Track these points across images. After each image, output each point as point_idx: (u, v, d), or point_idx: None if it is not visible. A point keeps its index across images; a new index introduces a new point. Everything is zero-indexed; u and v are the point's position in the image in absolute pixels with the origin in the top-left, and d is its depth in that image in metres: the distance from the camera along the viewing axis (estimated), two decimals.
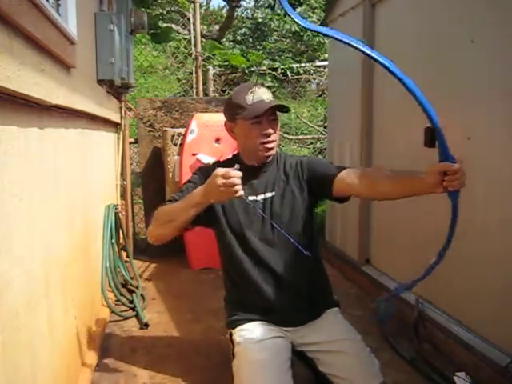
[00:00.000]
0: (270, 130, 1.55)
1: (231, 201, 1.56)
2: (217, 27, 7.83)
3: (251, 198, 1.60)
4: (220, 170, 1.35)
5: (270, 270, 1.58)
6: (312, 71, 6.25)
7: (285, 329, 1.60)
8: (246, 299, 1.63)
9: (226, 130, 1.66)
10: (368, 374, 1.48)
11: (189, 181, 1.71)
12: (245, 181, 1.48)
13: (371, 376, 1.49)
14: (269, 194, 1.62)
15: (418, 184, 1.34)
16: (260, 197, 1.62)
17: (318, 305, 1.64)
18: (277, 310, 1.58)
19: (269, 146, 1.57)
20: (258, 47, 7.66)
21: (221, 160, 1.79)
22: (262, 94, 1.54)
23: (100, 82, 2.70)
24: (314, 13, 7.77)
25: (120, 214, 3.19)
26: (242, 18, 8.45)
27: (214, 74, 5.31)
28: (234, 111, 1.58)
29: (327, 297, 1.70)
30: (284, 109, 1.59)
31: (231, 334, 1.63)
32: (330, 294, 1.72)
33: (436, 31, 2.28)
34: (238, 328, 1.61)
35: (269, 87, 7.29)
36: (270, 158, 1.63)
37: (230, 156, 1.75)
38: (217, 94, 5.37)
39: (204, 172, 1.64)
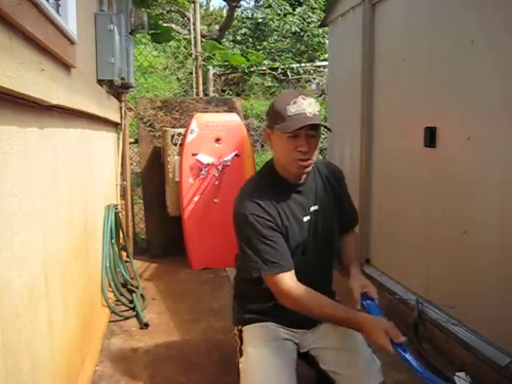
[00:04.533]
0: (306, 148, 1.42)
1: (291, 224, 1.49)
2: (217, 27, 7.83)
3: (305, 218, 1.53)
4: (389, 329, 1.30)
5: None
6: (312, 71, 6.25)
7: (295, 330, 1.60)
8: (262, 301, 1.58)
9: (263, 136, 1.59)
10: (369, 373, 1.48)
11: (258, 231, 1.45)
12: (292, 198, 1.52)
13: (372, 374, 1.49)
14: (313, 208, 1.56)
15: (347, 271, 1.65)
16: (309, 215, 1.55)
17: None
18: (293, 317, 1.54)
19: (303, 163, 1.45)
20: (258, 47, 7.66)
21: (256, 177, 1.63)
22: (305, 106, 1.41)
23: (100, 81, 2.70)
24: (313, 13, 7.77)
25: (120, 214, 3.19)
26: (242, 18, 8.45)
27: (214, 74, 5.31)
28: (273, 119, 1.47)
29: (333, 299, 1.69)
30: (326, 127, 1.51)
31: (241, 331, 1.61)
32: (333, 296, 1.71)
33: (436, 31, 2.28)
34: (249, 326, 1.59)
35: (269, 87, 7.29)
36: (301, 178, 1.53)
37: (263, 171, 1.61)
38: (217, 94, 5.37)
39: (258, 206, 1.46)
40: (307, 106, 1.42)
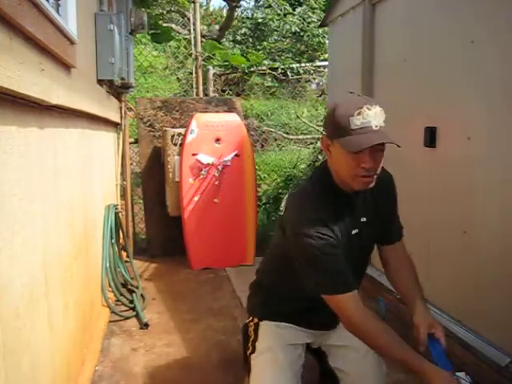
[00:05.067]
0: (371, 164, 1.28)
1: (339, 236, 1.37)
2: (217, 27, 7.83)
3: (354, 231, 1.42)
4: None
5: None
6: (312, 71, 6.24)
7: (313, 331, 1.56)
8: (288, 303, 1.52)
9: (321, 144, 1.41)
10: (375, 374, 1.48)
11: (324, 244, 1.32)
12: (345, 209, 1.40)
13: (378, 376, 1.48)
14: (362, 220, 1.45)
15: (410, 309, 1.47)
16: (358, 227, 1.45)
17: None
18: (316, 321, 1.53)
19: (366, 180, 1.32)
20: (258, 47, 7.66)
21: (311, 186, 1.45)
22: (371, 118, 1.25)
23: (100, 81, 2.70)
24: (313, 13, 7.77)
25: (120, 214, 3.19)
26: (242, 18, 8.44)
27: (214, 74, 5.31)
28: (334, 130, 1.31)
29: None
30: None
31: (257, 325, 1.54)
32: None
33: (436, 31, 2.28)
34: (268, 323, 1.53)
35: (269, 87, 7.29)
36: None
37: (317, 178, 1.45)
38: (217, 94, 5.37)
39: (319, 220, 1.33)
40: (373, 118, 1.26)
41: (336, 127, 1.29)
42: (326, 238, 1.31)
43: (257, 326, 1.55)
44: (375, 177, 1.33)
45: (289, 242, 1.39)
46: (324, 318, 1.49)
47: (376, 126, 1.26)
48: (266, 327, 1.53)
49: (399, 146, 1.28)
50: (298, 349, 1.53)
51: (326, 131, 1.37)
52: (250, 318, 1.59)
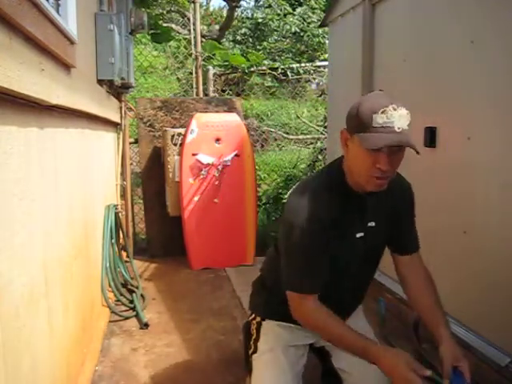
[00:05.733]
0: (387, 167, 1.25)
1: (341, 237, 1.35)
2: (217, 27, 7.82)
3: (358, 234, 1.39)
4: (411, 378, 1.19)
5: (337, 295, 1.42)
6: (312, 71, 6.24)
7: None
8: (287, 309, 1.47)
9: (340, 138, 1.35)
10: (378, 376, 1.47)
11: (306, 242, 1.31)
12: (353, 210, 1.36)
13: (381, 378, 1.47)
14: (369, 224, 1.41)
15: (432, 328, 1.40)
16: (364, 231, 1.40)
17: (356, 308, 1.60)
18: None
19: (379, 182, 1.28)
20: (258, 47, 7.66)
21: (320, 177, 1.44)
22: (395, 119, 1.24)
23: (100, 82, 2.70)
24: (313, 13, 7.77)
25: (120, 214, 3.19)
26: (242, 18, 8.45)
27: (214, 74, 5.31)
28: (355, 125, 1.27)
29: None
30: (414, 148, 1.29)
31: (260, 324, 1.53)
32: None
33: (436, 31, 2.28)
34: (270, 322, 1.52)
35: (269, 87, 7.29)
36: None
37: (329, 172, 1.42)
38: (217, 94, 5.37)
39: (315, 213, 1.30)
40: (397, 119, 1.24)
41: (358, 122, 1.26)
42: (315, 234, 1.29)
43: (259, 325, 1.54)
44: (388, 180, 1.30)
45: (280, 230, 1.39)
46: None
47: (399, 128, 1.25)
48: (269, 327, 1.52)
49: (418, 153, 1.28)
50: (300, 349, 1.52)
51: (347, 125, 1.33)
52: (253, 316, 1.58)
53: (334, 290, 1.39)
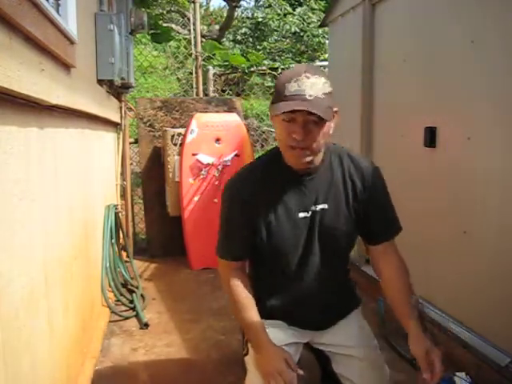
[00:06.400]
0: (301, 136, 1.22)
1: (278, 218, 1.36)
2: (217, 27, 7.83)
3: (301, 214, 1.36)
4: (282, 369, 1.26)
5: (303, 287, 1.44)
6: None
7: (304, 331, 1.52)
8: (274, 298, 1.49)
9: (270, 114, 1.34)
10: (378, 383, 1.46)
11: (228, 215, 1.43)
12: (293, 190, 1.35)
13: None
14: (320, 207, 1.37)
15: (402, 322, 1.37)
16: (309, 212, 1.37)
17: (344, 311, 1.55)
18: (305, 319, 1.49)
19: (296, 152, 1.26)
20: (257, 47, 7.67)
21: (251, 165, 1.47)
22: (307, 86, 1.20)
23: (100, 81, 2.70)
24: (313, 13, 7.77)
25: (120, 214, 3.19)
26: (242, 18, 8.45)
27: (214, 74, 5.31)
28: (273, 97, 1.28)
29: (351, 299, 1.58)
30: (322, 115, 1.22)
31: None
32: (353, 295, 1.59)
33: (436, 31, 2.28)
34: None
35: (269, 87, 7.28)
36: (309, 168, 1.34)
37: (271, 153, 1.43)
38: (217, 94, 5.37)
39: (239, 191, 1.38)
40: (309, 87, 1.20)
41: (274, 94, 1.27)
42: (240, 206, 1.37)
43: None
44: (310, 153, 1.27)
45: None
46: (311, 316, 1.47)
47: (310, 96, 1.20)
48: None
49: (322, 119, 1.22)
50: (292, 347, 1.47)
51: None
52: None
53: (293, 275, 1.42)
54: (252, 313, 1.39)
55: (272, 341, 1.35)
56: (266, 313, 1.44)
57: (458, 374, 1.31)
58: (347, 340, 1.48)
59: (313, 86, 1.21)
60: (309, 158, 1.28)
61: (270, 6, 8.04)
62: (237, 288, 1.43)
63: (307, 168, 1.33)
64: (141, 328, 2.60)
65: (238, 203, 1.38)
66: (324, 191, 1.37)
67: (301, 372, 1.29)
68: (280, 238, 1.38)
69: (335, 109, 1.29)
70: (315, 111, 1.19)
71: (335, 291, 1.49)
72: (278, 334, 1.44)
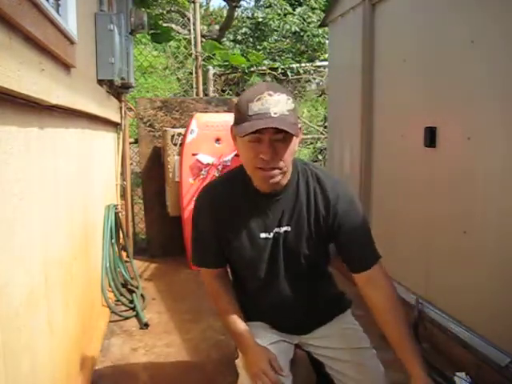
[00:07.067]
0: (269, 156, 1.20)
1: (239, 236, 1.38)
2: (217, 27, 7.83)
3: (263, 235, 1.36)
4: (265, 369, 1.26)
5: (276, 297, 1.45)
6: (312, 71, 6.25)
7: (286, 334, 1.52)
8: (254, 302, 1.49)
9: (231, 135, 1.34)
10: (373, 381, 1.45)
11: (198, 226, 1.43)
12: (256, 211, 1.35)
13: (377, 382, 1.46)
14: (283, 229, 1.36)
15: (402, 359, 1.30)
16: (272, 234, 1.37)
17: (325, 316, 1.54)
18: (285, 323, 1.50)
19: (265, 174, 1.24)
20: (258, 47, 7.66)
21: (222, 178, 1.50)
22: (271, 104, 1.18)
23: (100, 81, 2.70)
24: (313, 13, 7.77)
25: (120, 214, 3.19)
26: (242, 17, 8.45)
27: (214, 74, 5.32)
28: (235, 117, 1.26)
29: (336, 304, 1.57)
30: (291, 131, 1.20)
31: None
32: (339, 300, 1.59)
33: (436, 31, 2.28)
34: (250, 323, 1.48)
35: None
36: (275, 189, 1.32)
37: (239, 170, 1.40)
38: (217, 94, 5.37)
39: (208, 204, 1.40)
40: (273, 105, 1.18)
41: (237, 114, 1.24)
42: (204, 219, 1.39)
43: None
44: (278, 173, 1.24)
45: None
46: (288, 322, 1.48)
47: (275, 113, 1.18)
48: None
49: (294, 135, 1.21)
50: (280, 346, 1.45)
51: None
52: None
53: (263, 286, 1.43)
54: (235, 317, 1.40)
55: (257, 342, 1.35)
56: (247, 315, 1.46)
57: (458, 374, 1.31)
58: (333, 343, 1.48)
59: (277, 103, 1.19)
60: (278, 178, 1.26)
61: (270, 5, 8.04)
62: (219, 294, 1.45)
63: (274, 189, 1.31)
64: (141, 328, 2.60)
65: (205, 219, 1.40)
66: (288, 213, 1.36)
67: (284, 374, 1.29)
68: (239, 255, 1.40)
69: (299, 125, 1.27)
70: (283, 127, 1.17)
71: (310, 301, 1.48)
72: (264, 333, 1.45)
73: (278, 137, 1.20)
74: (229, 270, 1.54)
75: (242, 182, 1.36)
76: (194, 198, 1.48)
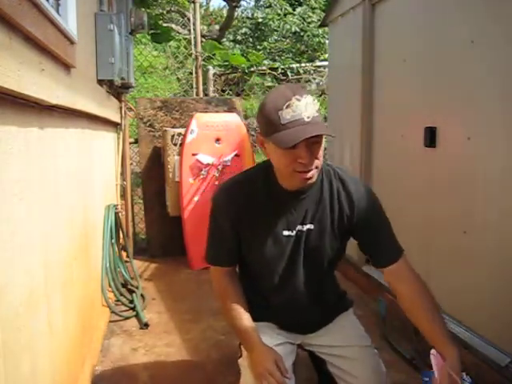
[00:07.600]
0: (307, 159, 1.22)
1: (260, 234, 1.39)
2: (217, 27, 7.83)
3: (285, 233, 1.38)
4: (272, 369, 1.27)
5: (287, 296, 1.47)
6: (312, 71, 6.25)
7: (294, 334, 1.54)
8: (260, 301, 1.50)
9: (256, 142, 1.34)
10: (376, 379, 1.46)
11: (214, 227, 1.44)
12: (280, 208, 1.36)
13: (379, 380, 1.46)
14: (306, 227, 1.38)
15: (435, 345, 1.28)
16: (294, 231, 1.38)
17: (331, 314, 1.56)
18: (289, 325, 1.51)
19: (305, 176, 1.25)
20: (258, 47, 7.67)
21: (241, 176, 1.48)
22: (301, 110, 1.18)
23: (100, 82, 2.70)
24: (313, 13, 7.77)
25: (120, 214, 3.19)
26: (242, 17, 8.46)
27: (214, 74, 5.32)
28: (265, 127, 1.25)
29: (339, 303, 1.59)
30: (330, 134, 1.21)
31: None
32: (343, 298, 1.61)
33: (436, 31, 2.28)
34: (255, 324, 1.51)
35: (269, 87, 7.28)
36: (305, 187, 1.33)
37: (259, 168, 1.43)
38: (217, 94, 5.38)
39: (225, 204, 1.40)
40: (304, 109, 1.19)
41: (267, 123, 1.23)
42: (224, 216, 1.39)
43: None
44: (315, 172, 1.27)
45: None
46: (296, 321, 1.49)
47: (308, 118, 1.19)
48: None
49: (333, 137, 1.26)
50: (285, 348, 1.47)
51: (259, 128, 1.30)
52: None
53: (277, 285, 1.44)
54: (243, 316, 1.40)
55: (263, 342, 1.36)
56: (254, 315, 1.45)
57: None
58: (336, 341, 1.50)
59: (307, 107, 1.20)
60: (315, 177, 1.29)
61: (270, 5, 8.04)
62: (228, 292, 1.45)
63: (303, 187, 1.33)
64: (141, 328, 2.60)
65: (223, 216, 1.40)
66: (312, 211, 1.38)
67: (289, 376, 1.29)
68: (260, 252, 1.40)
69: None
70: (322, 132, 1.20)
71: (320, 299, 1.51)
72: (270, 334, 1.46)
73: (314, 140, 1.21)
74: (237, 269, 1.56)
75: (265, 181, 1.38)
76: (211, 197, 1.47)
